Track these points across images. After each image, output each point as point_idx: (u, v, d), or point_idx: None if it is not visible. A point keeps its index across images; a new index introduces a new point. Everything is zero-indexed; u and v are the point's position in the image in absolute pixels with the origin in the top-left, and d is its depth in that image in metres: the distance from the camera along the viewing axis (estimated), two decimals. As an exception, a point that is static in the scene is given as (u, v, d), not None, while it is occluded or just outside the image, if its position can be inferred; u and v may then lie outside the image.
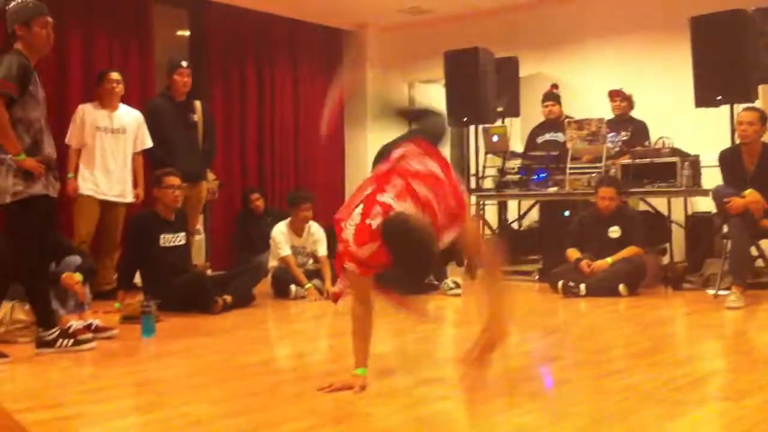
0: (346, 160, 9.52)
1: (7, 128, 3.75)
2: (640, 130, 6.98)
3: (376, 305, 3.23)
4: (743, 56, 6.08)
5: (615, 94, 7.16)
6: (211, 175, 6.83)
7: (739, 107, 6.01)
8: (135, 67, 7.16)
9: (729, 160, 5.62)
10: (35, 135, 3.87)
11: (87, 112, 6.10)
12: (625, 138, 7.00)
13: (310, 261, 6.27)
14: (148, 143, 6.28)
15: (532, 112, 7.88)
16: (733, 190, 5.39)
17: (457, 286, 6.05)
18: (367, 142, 9.43)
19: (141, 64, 7.24)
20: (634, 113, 7.18)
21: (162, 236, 5.48)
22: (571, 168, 6.69)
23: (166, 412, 2.82)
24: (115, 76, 6.17)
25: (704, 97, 6.34)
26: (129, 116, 6.24)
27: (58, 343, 3.94)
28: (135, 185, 6.28)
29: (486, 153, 7.54)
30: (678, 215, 6.76)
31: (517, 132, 8.24)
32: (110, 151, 6.11)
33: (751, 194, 5.28)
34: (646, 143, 6.78)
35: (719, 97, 6.26)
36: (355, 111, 9.51)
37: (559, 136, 7.23)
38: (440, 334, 5.00)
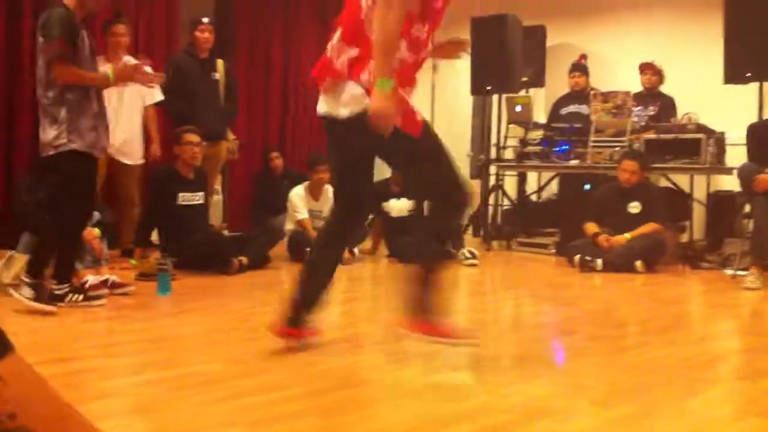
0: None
1: (85, 75, 3.83)
2: (667, 106, 6.88)
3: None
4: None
5: (646, 67, 7.04)
6: (231, 135, 6.81)
7: (768, 85, 5.91)
8: (161, 23, 7.11)
9: (759, 133, 5.53)
10: (78, 92, 3.85)
11: None
12: (652, 113, 6.90)
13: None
14: (158, 96, 6.18)
15: (558, 82, 7.79)
16: (759, 167, 5.30)
17: (474, 256, 6.02)
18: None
19: (167, 19, 7.18)
20: (663, 88, 7.07)
21: (180, 194, 5.48)
22: (594, 141, 6.61)
23: (179, 370, 2.82)
24: (121, 28, 5.94)
25: (733, 74, 6.22)
26: None
27: (68, 298, 3.95)
28: (150, 141, 6.20)
29: (508, 123, 7.48)
30: (700, 193, 6.68)
31: (541, 102, 8.15)
32: (117, 107, 5.91)
33: None
34: (672, 119, 6.68)
35: (749, 74, 6.14)
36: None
37: (584, 108, 7.14)
38: (454, 304, 4.97)
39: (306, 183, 6.27)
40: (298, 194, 6.19)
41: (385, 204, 6.40)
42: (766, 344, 3.61)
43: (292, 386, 2.61)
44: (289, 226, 6.21)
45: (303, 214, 6.11)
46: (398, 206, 6.37)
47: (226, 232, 6.76)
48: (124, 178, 6.02)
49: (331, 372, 2.84)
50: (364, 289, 5.45)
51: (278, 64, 8.39)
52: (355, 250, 6.23)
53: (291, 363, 2.97)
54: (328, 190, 6.28)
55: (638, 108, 6.83)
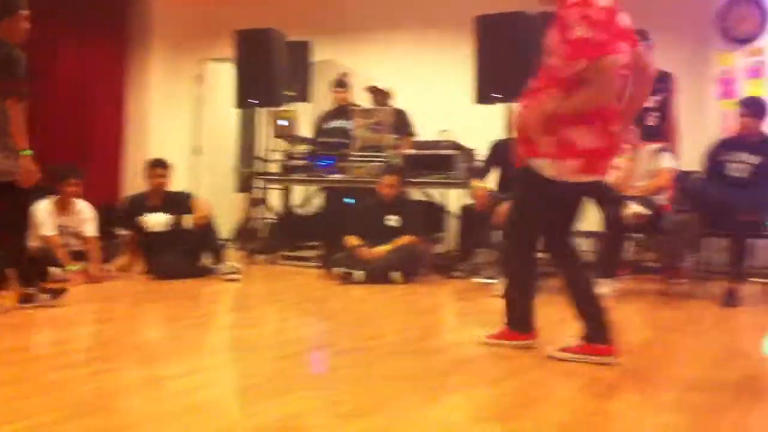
0: (125, 138, 9.09)
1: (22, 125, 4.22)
2: (402, 117, 7.13)
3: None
4: (521, 57, 6.38)
5: (373, 90, 7.30)
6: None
7: (514, 105, 6.33)
8: None
9: (497, 149, 5.95)
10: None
11: None
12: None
13: (75, 241, 5.89)
14: None
15: (323, 98, 7.90)
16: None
17: (236, 271, 5.92)
18: (149, 119, 9.08)
19: None
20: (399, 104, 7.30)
21: None
22: (356, 155, 6.76)
23: None
24: None
25: (483, 94, 6.63)
26: None
27: None
28: None
29: (274, 137, 7.46)
30: (454, 206, 7.03)
31: (306, 117, 8.22)
32: None
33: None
34: (413, 130, 6.99)
35: (497, 95, 6.56)
36: (137, 88, 9.12)
37: (347, 124, 7.28)
38: (214, 321, 4.87)
39: (53, 197, 5.86)
40: (44, 209, 5.77)
41: (140, 218, 6.13)
42: (506, 350, 3.84)
43: (30, 415, 2.39)
44: (33, 243, 5.76)
45: (49, 231, 5.70)
46: (155, 221, 6.13)
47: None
48: None
49: (77, 397, 2.65)
50: (119, 308, 5.17)
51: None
52: (109, 266, 5.91)
53: (30, 390, 2.74)
54: (77, 203, 5.92)
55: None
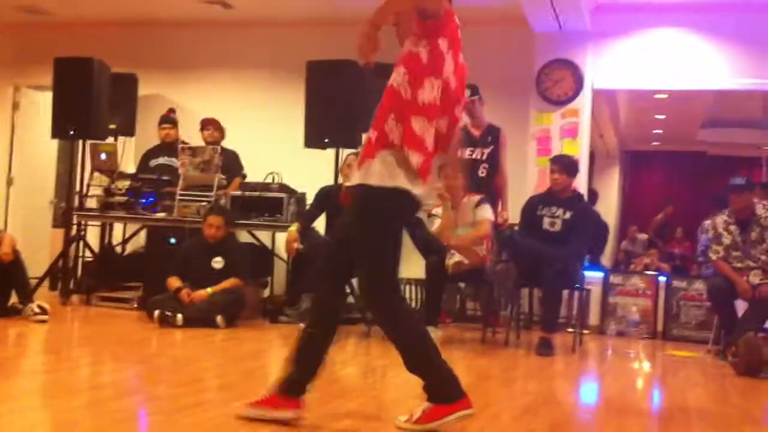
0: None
1: None
2: (232, 159, 7.02)
3: None
4: (352, 104, 6.46)
5: (209, 123, 7.18)
6: None
7: (344, 151, 6.40)
8: None
9: (324, 195, 5.98)
10: None
11: None
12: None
13: None
14: None
15: (149, 133, 7.64)
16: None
17: (43, 311, 5.52)
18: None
19: None
20: (229, 143, 7.20)
21: None
22: (181, 195, 6.55)
23: None
24: None
25: (313, 139, 6.65)
26: None
27: None
28: None
29: (92, 171, 7.09)
30: (282, 249, 6.95)
31: (131, 152, 7.91)
32: None
33: None
34: (243, 172, 6.89)
35: (327, 140, 6.60)
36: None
37: (174, 161, 7.06)
38: (15, 364, 4.50)
39: None
40: None
41: (-61, 253, 5.63)
42: (325, 394, 3.77)
43: None
44: None
45: None
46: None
47: None
48: None
49: None
50: None
51: None
52: None
53: None
54: None
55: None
